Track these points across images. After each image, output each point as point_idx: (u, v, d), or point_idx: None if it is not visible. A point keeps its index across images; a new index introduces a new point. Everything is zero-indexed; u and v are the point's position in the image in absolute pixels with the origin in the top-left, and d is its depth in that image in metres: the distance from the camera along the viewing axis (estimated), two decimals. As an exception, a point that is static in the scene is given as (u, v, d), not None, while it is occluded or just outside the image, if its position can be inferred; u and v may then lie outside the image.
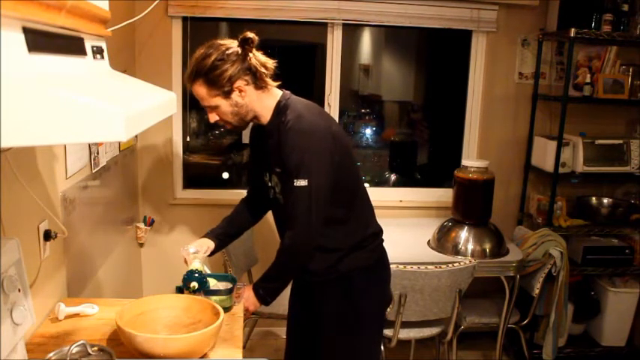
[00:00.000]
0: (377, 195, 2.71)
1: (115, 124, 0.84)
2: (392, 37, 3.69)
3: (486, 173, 2.79)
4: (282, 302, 2.11)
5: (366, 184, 2.05)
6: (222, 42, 1.68)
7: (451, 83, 3.40)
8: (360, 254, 1.85)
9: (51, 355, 1.30)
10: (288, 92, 1.79)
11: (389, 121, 3.93)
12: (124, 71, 1.79)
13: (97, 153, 2.22)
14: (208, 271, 1.80)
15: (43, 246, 1.65)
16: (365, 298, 1.86)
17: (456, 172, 2.86)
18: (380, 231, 1.94)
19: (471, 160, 2.89)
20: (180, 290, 1.72)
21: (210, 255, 1.93)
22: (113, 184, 2.50)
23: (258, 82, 1.70)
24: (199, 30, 2.92)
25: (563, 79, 3.07)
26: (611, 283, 3.20)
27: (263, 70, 1.69)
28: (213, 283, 1.75)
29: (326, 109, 3.12)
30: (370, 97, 3.86)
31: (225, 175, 3.44)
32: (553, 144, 2.99)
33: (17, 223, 1.48)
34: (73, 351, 1.28)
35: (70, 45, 1.05)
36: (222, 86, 1.65)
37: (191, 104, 3.05)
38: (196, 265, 1.76)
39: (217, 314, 1.50)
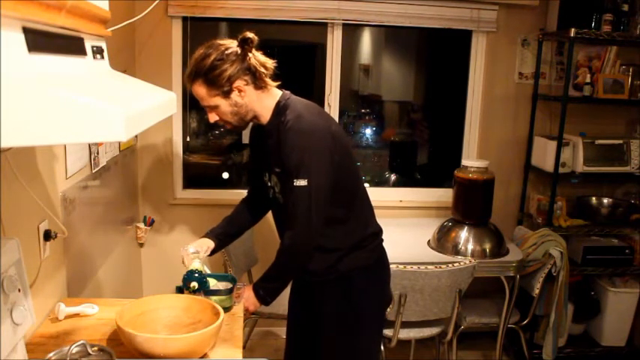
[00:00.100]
0: (377, 195, 2.71)
1: (115, 124, 0.84)
2: (392, 37, 3.69)
3: (486, 173, 2.79)
4: (282, 302, 2.11)
5: (366, 184, 2.05)
6: (221, 42, 1.68)
7: (451, 83, 3.40)
8: (360, 254, 1.85)
9: (51, 355, 1.30)
10: (287, 92, 1.79)
11: (389, 121, 3.93)
12: (124, 71, 1.79)
13: (97, 153, 2.22)
14: (208, 271, 1.80)
15: (43, 246, 1.66)
16: (365, 298, 1.86)
17: (456, 172, 2.86)
18: (380, 231, 1.94)
19: (471, 160, 2.89)
20: (180, 290, 1.72)
21: (210, 255, 1.93)
22: (113, 184, 2.50)
23: (258, 82, 1.70)
24: (199, 30, 2.92)
25: (563, 79, 3.07)
26: (611, 283, 3.20)
27: (262, 70, 1.69)
28: (213, 283, 1.75)
29: (326, 109, 3.12)
30: (370, 97, 3.86)
31: (225, 175, 3.44)
32: (553, 144, 2.99)
33: (17, 223, 1.49)
34: (73, 351, 1.28)
35: (70, 45, 1.05)
36: (222, 86, 1.65)
37: (191, 104, 3.05)
38: (196, 265, 1.76)
39: (217, 314, 1.50)
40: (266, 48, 1.76)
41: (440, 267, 2.33)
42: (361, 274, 1.85)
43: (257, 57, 1.69)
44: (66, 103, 0.82)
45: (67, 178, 1.88)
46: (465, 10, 3.06)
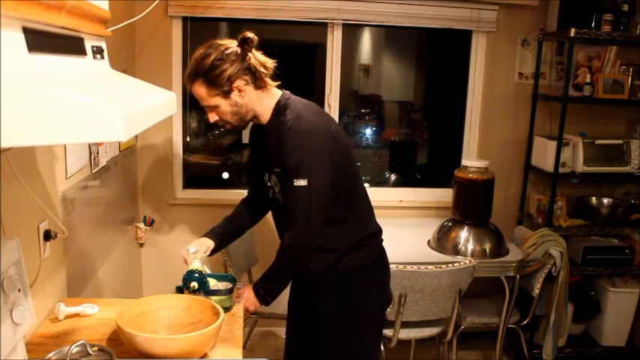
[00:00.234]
0: (377, 195, 2.71)
1: (115, 124, 0.84)
2: (392, 37, 3.69)
3: (486, 173, 2.79)
4: (281, 302, 2.11)
5: (366, 184, 2.05)
6: (221, 42, 1.68)
7: (451, 83, 3.40)
8: (360, 254, 1.85)
9: (51, 355, 1.30)
10: (287, 92, 1.79)
11: (389, 121, 3.93)
12: (124, 71, 1.79)
13: (97, 153, 2.22)
14: (208, 271, 1.80)
15: (43, 246, 1.66)
16: (364, 297, 1.86)
17: (456, 172, 2.86)
18: (379, 231, 1.94)
19: (471, 160, 2.89)
20: (180, 290, 1.72)
21: (210, 254, 1.93)
22: (113, 184, 2.50)
23: (258, 82, 1.70)
24: (199, 30, 2.92)
25: (563, 79, 3.07)
26: (611, 283, 3.19)
27: (262, 69, 1.69)
28: (213, 283, 1.75)
29: (326, 109, 3.12)
30: (370, 97, 3.86)
31: (225, 175, 3.44)
32: (553, 144, 2.99)
33: (17, 223, 1.49)
34: (73, 351, 1.28)
35: (70, 45, 1.05)
36: (222, 86, 1.66)
37: (191, 104, 3.05)
38: (196, 265, 1.76)
39: (217, 314, 1.50)
40: (266, 48, 1.76)
41: (440, 267, 2.33)
42: (361, 274, 1.85)
43: (257, 57, 1.69)
44: (66, 103, 0.82)
45: (67, 178, 1.88)
46: (465, 10, 3.06)
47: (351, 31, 3.33)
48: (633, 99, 3.10)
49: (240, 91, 1.68)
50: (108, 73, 1.24)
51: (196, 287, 1.68)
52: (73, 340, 1.36)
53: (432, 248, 2.82)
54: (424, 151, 3.82)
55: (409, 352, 2.94)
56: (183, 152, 3.12)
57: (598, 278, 3.23)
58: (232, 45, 1.67)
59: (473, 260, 2.48)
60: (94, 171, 2.18)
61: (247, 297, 1.80)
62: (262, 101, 1.74)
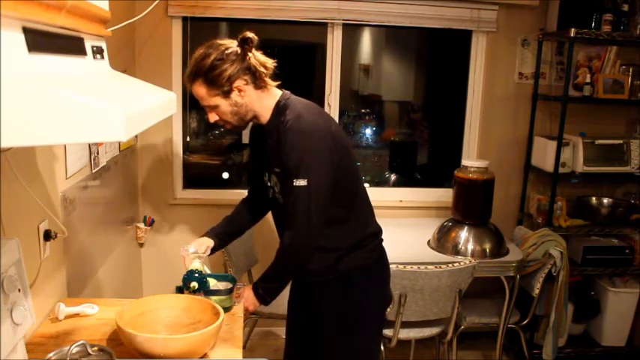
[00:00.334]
0: (377, 195, 2.71)
1: (115, 124, 0.84)
2: (392, 37, 3.69)
3: (486, 173, 2.79)
4: (281, 302, 2.11)
5: (366, 184, 2.05)
6: (221, 42, 1.68)
7: (451, 83, 3.40)
8: (359, 254, 1.85)
9: (51, 355, 1.30)
10: (287, 92, 1.79)
11: (389, 121, 3.92)
12: (124, 71, 1.79)
13: (97, 153, 2.22)
14: (208, 271, 1.80)
15: (43, 246, 1.65)
16: (364, 297, 1.86)
17: (456, 172, 2.86)
18: (379, 231, 1.94)
19: (471, 160, 2.89)
20: (180, 290, 1.72)
21: (210, 254, 1.93)
22: (113, 184, 2.50)
23: (258, 82, 1.70)
24: (199, 30, 2.92)
25: (563, 79, 3.07)
26: (611, 283, 3.19)
27: (262, 69, 1.69)
28: (213, 283, 1.75)
29: (326, 109, 3.12)
30: (370, 97, 3.86)
31: (225, 175, 3.44)
32: (553, 144, 2.99)
33: (17, 223, 1.49)
34: (73, 351, 1.28)
35: (70, 45, 1.05)
36: (222, 86, 1.66)
37: (191, 104, 3.05)
38: (196, 265, 1.76)
39: (217, 314, 1.50)
40: (266, 48, 1.76)
41: (440, 267, 2.33)
42: (361, 274, 1.85)
43: (257, 57, 1.69)
44: (66, 103, 0.82)
45: (67, 178, 1.88)
46: (465, 10, 3.06)
47: (351, 31, 3.33)
48: (633, 99, 3.10)
49: (240, 91, 1.68)
50: (108, 73, 1.24)
51: (196, 287, 1.68)
52: (73, 340, 1.36)
53: (432, 248, 2.82)
54: (424, 151, 3.82)
55: (409, 352, 2.94)
56: (183, 152, 3.12)
57: (598, 278, 3.23)
58: (232, 45, 1.67)
59: (473, 260, 2.49)
60: (94, 171, 2.18)
61: (247, 297, 1.80)
62: (262, 101, 1.74)
